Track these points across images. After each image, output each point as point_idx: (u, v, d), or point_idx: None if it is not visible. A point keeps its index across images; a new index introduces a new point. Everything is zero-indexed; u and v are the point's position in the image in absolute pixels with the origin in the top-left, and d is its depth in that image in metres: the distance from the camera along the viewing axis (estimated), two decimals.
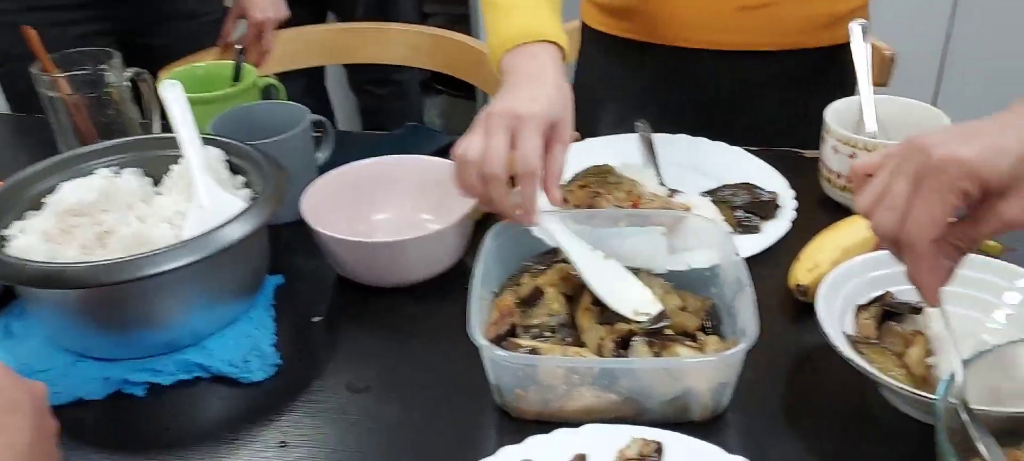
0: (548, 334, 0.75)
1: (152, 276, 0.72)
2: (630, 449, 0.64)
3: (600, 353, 0.72)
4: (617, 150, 1.04)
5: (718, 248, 0.79)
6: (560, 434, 0.66)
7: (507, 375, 0.69)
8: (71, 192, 0.83)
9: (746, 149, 1.04)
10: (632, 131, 1.08)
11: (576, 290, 0.78)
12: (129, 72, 1.03)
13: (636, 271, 0.80)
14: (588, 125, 1.16)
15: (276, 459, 0.69)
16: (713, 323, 0.76)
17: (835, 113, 0.97)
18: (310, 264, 0.89)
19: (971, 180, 0.54)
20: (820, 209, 0.97)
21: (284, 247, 0.90)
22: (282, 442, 0.71)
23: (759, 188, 0.94)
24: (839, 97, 1.00)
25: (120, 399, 0.76)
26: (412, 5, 2.29)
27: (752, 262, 0.87)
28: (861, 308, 0.77)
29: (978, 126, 0.57)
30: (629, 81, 1.21)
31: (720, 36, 1.13)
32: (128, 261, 0.72)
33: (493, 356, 0.68)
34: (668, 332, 0.73)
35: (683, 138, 1.06)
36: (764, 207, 0.92)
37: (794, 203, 0.94)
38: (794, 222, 0.92)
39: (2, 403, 0.58)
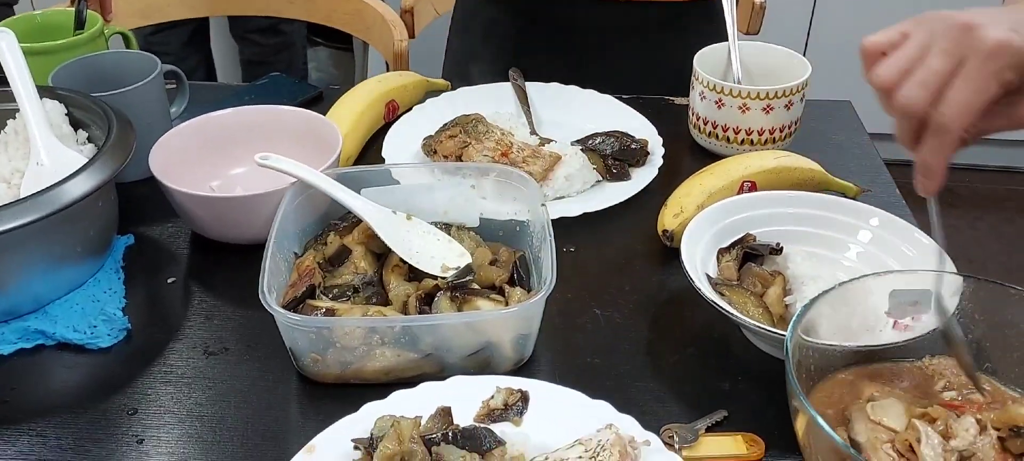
0: (351, 294, 0.73)
1: None
2: (495, 399, 0.64)
3: (405, 311, 0.71)
4: (489, 99, 1.02)
5: (528, 199, 0.79)
6: (425, 387, 0.65)
7: (302, 339, 0.67)
8: None
9: (617, 97, 1.05)
10: (504, 79, 1.07)
11: (386, 248, 0.76)
12: None
13: (448, 226, 0.79)
14: (460, 74, 1.14)
15: (127, 427, 0.66)
16: (522, 274, 0.76)
17: (703, 59, 0.99)
18: (163, 223, 0.85)
19: (1017, 70, 0.52)
20: (688, 155, 0.99)
21: (135, 206, 0.85)
22: (132, 409, 0.67)
23: (629, 136, 0.94)
24: (709, 44, 1.01)
25: None
26: None
27: (622, 209, 0.88)
28: (722, 251, 0.79)
29: (1016, 17, 0.53)
30: (500, 28, 1.19)
31: None
32: None
33: (285, 321, 0.65)
34: (474, 286, 0.73)
35: (554, 86, 1.06)
36: (634, 154, 0.93)
37: (662, 150, 0.95)
38: (662, 169, 0.93)
39: None
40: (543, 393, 0.64)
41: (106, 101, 0.82)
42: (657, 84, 1.13)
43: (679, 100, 1.08)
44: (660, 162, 0.94)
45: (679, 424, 0.64)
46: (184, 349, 0.73)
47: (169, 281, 0.80)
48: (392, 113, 1.02)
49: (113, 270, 0.79)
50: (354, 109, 0.97)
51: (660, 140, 0.97)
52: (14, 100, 0.80)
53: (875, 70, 0.56)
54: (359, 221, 0.78)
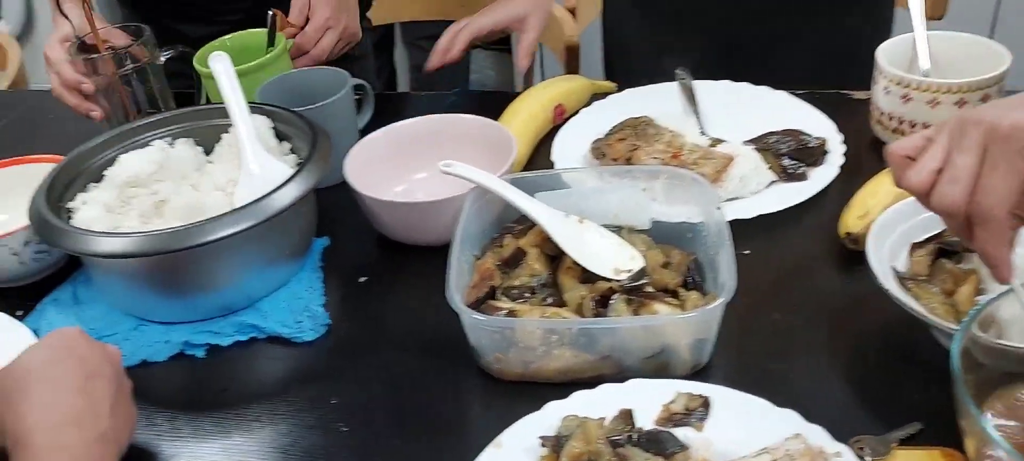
0: (528, 295, 0.76)
1: (209, 243, 0.74)
2: (676, 403, 0.65)
3: (580, 312, 0.73)
4: (656, 100, 1.02)
5: (701, 201, 0.78)
6: (605, 389, 0.67)
7: (485, 338, 0.70)
8: (129, 164, 0.87)
9: (791, 92, 1.02)
10: (670, 79, 1.06)
11: (559, 250, 0.78)
12: (168, 51, 1.06)
13: (619, 229, 0.80)
14: (622, 75, 1.14)
15: (328, 417, 0.72)
16: (696, 278, 0.75)
17: (887, 52, 0.94)
18: (354, 225, 0.91)
19: None
20: (871, 153, 0.95)
21: (329, 209, 0.92)
22: (333, 400, 0.73)
23: (806, 134, 0.92)
24: (883, 31, 0.97)
25: (181, 360, 0.79)
26: None
27: (799, 210, 0.86)
28: (916, 245, 0.75)
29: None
30: (658, 27, 1.18)
31: None
32: (186, 229, 0.75)
33: (470, 320, 0.69)
34: (649, 289, 0.73)
35: (724, 84, 1.04)
36: (811, 153, 0.91)
37: (843, 147, 0.92)
38: (843, 168, 0.90)
39: (87, 369, 0.63)
40: (725, 399, 0.64)
41: (305, 114, 0.90)
42: (819, 76, 1.09)
43: (859, 94, 1.04)
44: (840, 160, 0.91)
45: (870, 436, 0.62)
46: (377, 344, 0.79)
47: (361, 280, 0.86)
48: (559, 116, 1.04)
49: (313, 269, 0.87)
50: (524, 114, 1.01)
51: (839, 137, 0.93)
52: (226, 116, 0.89)
53: (906, 176, 0.59)
54: (533, 224, 0.81)
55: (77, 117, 1.06)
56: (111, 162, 0.88)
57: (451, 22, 1.60)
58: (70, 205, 0.84)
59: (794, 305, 0.77)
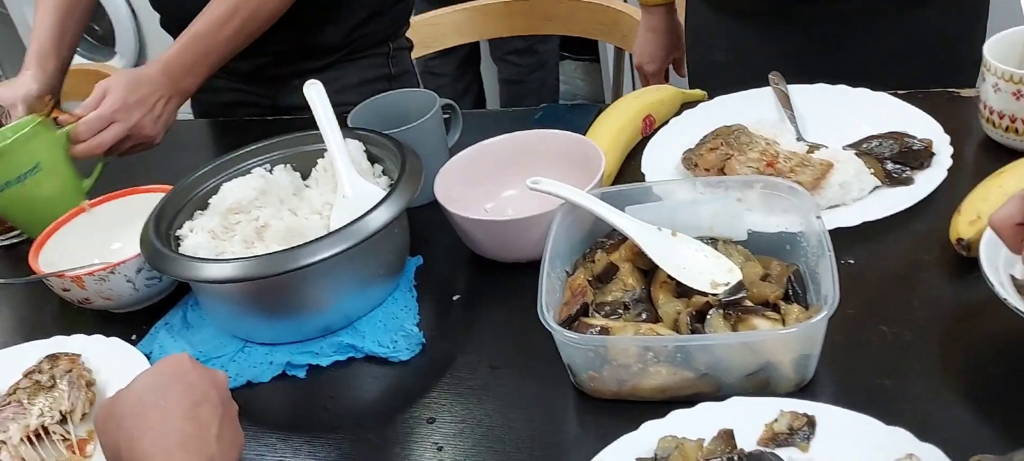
0: (622, 311, 0.74)
1: (307, 266, 0.77)
2: (779, 423, 0.63)
3: (677, 328, 0.71)
4: (748, 107, 1.00)
5: (800, 210, 0.75)
6: (704, 407, 0.65)
7: (579, 356, 0.69)
8: (231, 192, 0.90)
9: (892, 93, 0.98)
10: (760, 85, 1.03)
11: (652, 264, 0.76)
12: None
13: (714, 241, 0.77)
14: (710, 84, 1.12)
15: (426, 435, 0.73)
16: (797, 291, 0.72)
17: (993, 47, 0.89)
18: (446, 243, 0.92)
19: None
20: (981, 154, 0.90)
21: (422, 228, 0.93)
22: (430, 418, 0.74)
23: (910, 136, 0.88)
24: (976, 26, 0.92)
25: (284, 380, 0.82)
26: None
27: (905, 216, 0.83)
28: None
29: None
30: (742, 32, 1.15)
31: None
32: (285, 253, 0.78)
33: (563, 338, 0.68)
34: (747, 303, 0.71)
35: (819, 87, 1.01)
36: (916, 156, 0.87)
37: (950, 149, 0.88)
38: (951, 170, 0.85)
39: (195, 395, 0.65)
40: (831, 418, 0.62)
41: (396, 137, 0.92)
42: (908, 74, 1.04)
43: (966, 92, 0.99)
44: (948, 163, 0.86)
45: (990, 455, 0.58)
46: (472, 362, 0.79)
47: (454, 298, 0.87)
48: (649, 127, 1.03)
49: (407, 289, 0.88)
50: (612, 127, 1.00)
51: (946, 138, 0.89)
52: (321, 141, 0.92)
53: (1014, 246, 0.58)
54: (625, 238, 0.80)
55: (184, 148, 1.11)
56: (215, 190, 0.92)
57: (537, 36, 1.62)
58: (178, 233, 0.88)
59: (903, 317, 0.73)
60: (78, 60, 1.28)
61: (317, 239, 0.79)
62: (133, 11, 2.83)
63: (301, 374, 0.82)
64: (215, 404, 0.66)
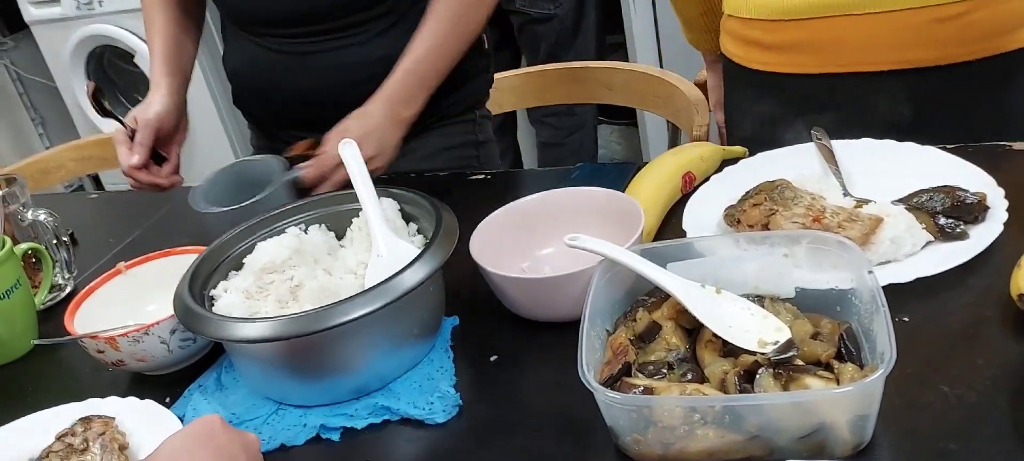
0: (666, 371, 0.71)
1: (340, 325, 0.75)
2: None
3: (724, 389, 0.67)
4: (790, 163, 0.98)
5: (850, 266, 0.72)
6: None
7: (623, 418, 0.66)
8: (265, 252, 0.90)
9: (940, 147, 0.95)
10: (805, 141, 1.01)
11: (696, 322, 0.74)
12: None
13: (760, 299, 0.75)
14: (751, 142, 1.10)
15: None
16: (850, 349, 0.69)
17: None
18: (483, 303, 0.90)
19: None
20: None
21: (458, 288, 0.91)
22: None
23: (962, 189, 0.85)
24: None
25: (318, 443, 0.79)
26: (592, 36, 2.34)
27: (961, 272, 0.79)
28: None
29: None
30: (791, 114, 1.13)
31: (912, 54, 1.04)
32: (318, 313, 0.77)
33: (605, 399, 0.65)
34: (798, 362, 0.67)
35: (865, 142, 0.99)
36: (970, 209, 0.83)
37: (1005, 202, 0.84)
38: (1007, 224, 0.82)
39: (224, 457, 0.63)
40: None
41: (429, 196, 0.91)
42: (961, 128, 1.02)
43: (1018, 145, 0.96)
44: (1003, 216, 0.83)
45: None
46: (510, 425, 0.76)
47: (492, 359, 0.85)
48: (689, 185, 1.01)
49: (443, 349, 0.86)
50: (651, 184, 0.98)
51: (1001, 192, 0.86)
52: (355, 201, 0.91)
53: None
54: (667, 296, 0.77)
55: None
56: (250, 250, 0.91)
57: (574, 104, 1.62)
58: (212, 293, 0.88)
59: (965, 376, 0.69)
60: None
61: (351, 297, 0.77)
62: None
63: (335, 437, 0.80)
64: None
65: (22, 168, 1.67)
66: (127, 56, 2.96)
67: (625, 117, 2.67)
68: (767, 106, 1.16)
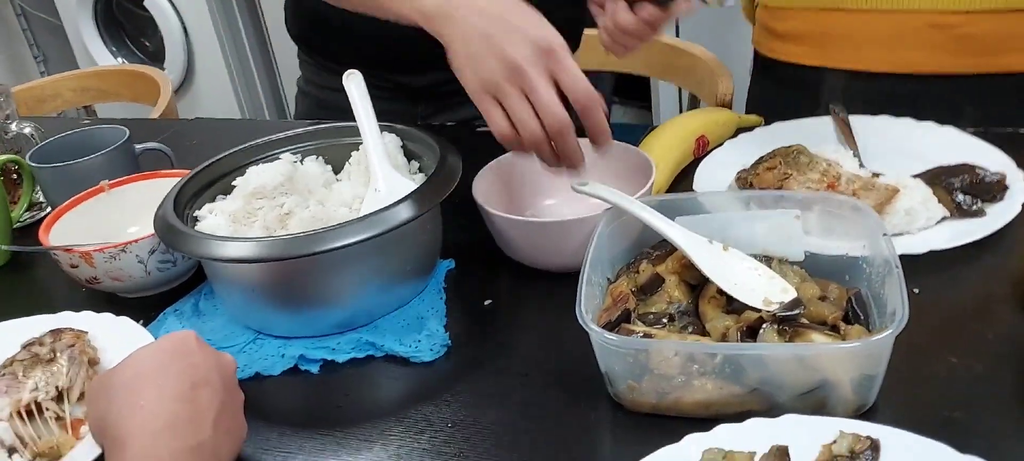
0: (666, 322, 0.69)
1: (330, 251, 0.72)
2: (838, 444, 0.56)
3: (725, 342, 0.65)
4: (807, 133, 0.95)
5: (864, 232, 0.70)
6: (754, 423, 0.59)
7: (618, 363, 0.63)
8: (256, 176, 0.86)
9: (960, 129, 0.92)
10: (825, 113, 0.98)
11: (701, 278, 0.71)
12: None
13: (768, 260, 0.72)
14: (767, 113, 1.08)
15: (443, 441, 0.67)
16: (859, 313, 0.66)
17: None
18: (482, 249, 0.87)
19: None
20: None
21: (456, 233, 0.88)
22: (452, 422, 0.68)
23: (982, 168, 0.82)
24: None
25: (296, 375, 0.76)
26: None
27: (975, 248, 0.77)
28: None
29: None
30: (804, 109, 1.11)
31: (907, 55, 1.02)
32: (307, 236, 0.73)
33: (602, 340, 0.62)
34: (804, 320, 0.65)
35: (883, 119, 0.96)
36: (988, 188, 0.81)
37: None
38: None
39: (195, 377, 0.61)
40: (898, 443, 0.55)
41: (433, 134, 0.88)
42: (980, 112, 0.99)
43: None
44: (1023, 197, 0.80)
45: None
46: (500, 370, 0.73)
47: (486, 303, 0.81)
48: (702, 148, 0.98)
49: (436, 291, 0.83)
50: (665, 142, 0.95)
51: (1020, 173, 0.83)
52: (356, 135, 0.88)
53: None
54: (672, 250, 0.74)
55: (217, 142, 1.08)
56: (241, 174, 0.88)
57: (590, 74, 1.58)
58: (197, 213, 0.84)
59: (974, 349, 0.67)
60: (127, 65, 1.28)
61: (342, 224, 0.74)
62: (185, 29, 2.87)
63: (314, 369, 0.77)
64: (217, 388, 0.62)
65: (17, 93, 1.62)
66: None
67: (639, 97, 2.66)
68: (772, 91, 1.14)
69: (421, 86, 1.17)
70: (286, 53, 2.99)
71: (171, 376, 0.60)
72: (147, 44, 3.10)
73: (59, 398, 0.73)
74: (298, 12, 1.20)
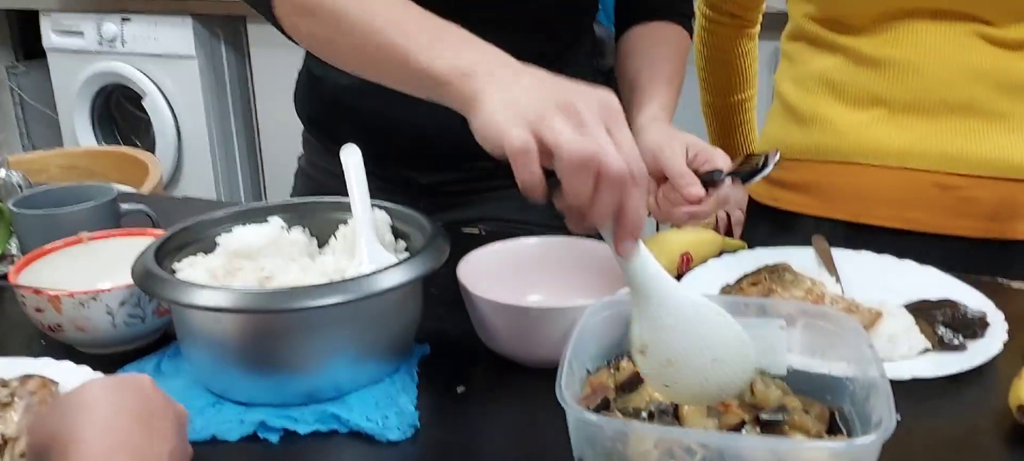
0: (644, 418, 0.67)
1: (306, 309, 0.70)
2: None
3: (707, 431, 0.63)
4: (790, 260, 0.95)
5: (848, 347, 0.68)
6: None
7: (593, 449, 0.60)
8: (241, 235, 0.85)
9: (943, 271, 0.93)
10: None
11: None
12: None
13: None
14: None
15: None
16: (842, 428, 0.65)
17: None
18: (459, 337, 0.85)
19: None
20: None
21: (435, 319, 0.86)
22: None
23: (964, 305, 0.82)
24: None
25: (254, 442, 0.72)
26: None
27: (958, 381, 0.76)
28: None
29: None
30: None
31: (911, 214, 1.04)
32: (285, 292, 0.72)
33: (580, 419, 0.59)
34: (786, 428, 0.63)
35: (865, 255, 0.97)
36: (970, 324, 0.81)
37: (1005, 325, 0.82)
38: (1007, 345, 0.79)
39: (151, 407, 0.58)
40: None
41: (423, 214, 0.87)
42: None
43: (1017, 284, 0.94)
44: (1003, 337, 0.80)
45: None
46: (469, 455, 0.70)
47: (459, 390, 0.79)
48: (686, 265, 0.98)
49: (408, 374, 0.80)
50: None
51: (1000, 314, 0.83)
52: (344, 211, 0.87)
53: None
54: None
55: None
56: (227, 231, 0.87)
57: None
58: (175, 266, 0.82)
59: None
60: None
61: (321, 285, 0.73)
62: (178, 132, 2.92)
63: (274, 439, 0.73)
64: (171, 431, 0.59)
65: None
66: (136, 98, 2.98)
67: None
68: (765, 233, 1.16)
69: (424, 183, 1.16)
70: (274, 162, 3.04)
71: (128, 399, 0.57)
72: (137, 144, 3.14)
73: (3, 447, 0.69)
74: (312, 94, 1.19)
